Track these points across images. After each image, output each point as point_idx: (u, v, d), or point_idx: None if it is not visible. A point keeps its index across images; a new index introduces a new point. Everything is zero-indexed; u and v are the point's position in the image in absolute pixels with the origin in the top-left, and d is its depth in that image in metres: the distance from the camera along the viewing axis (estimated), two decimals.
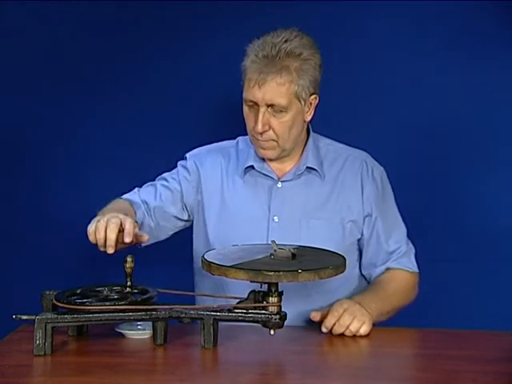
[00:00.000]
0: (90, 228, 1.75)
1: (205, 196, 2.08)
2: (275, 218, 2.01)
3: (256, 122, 1.94)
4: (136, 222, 1.84)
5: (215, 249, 1.87)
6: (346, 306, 1.83)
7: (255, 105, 1.94)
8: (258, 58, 1.91)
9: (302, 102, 1.95)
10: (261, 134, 1.95)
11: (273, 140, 1.97)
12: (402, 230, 2.09)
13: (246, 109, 1.98)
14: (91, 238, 1.75)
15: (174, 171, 2.14)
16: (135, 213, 2.02)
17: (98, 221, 1.75)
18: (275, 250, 1.72)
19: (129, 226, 1.74)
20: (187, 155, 2.15)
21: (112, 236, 1.72)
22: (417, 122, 2.57)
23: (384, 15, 2.55)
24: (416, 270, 2.08)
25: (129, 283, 1.75)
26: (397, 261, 2.06)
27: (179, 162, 2.14)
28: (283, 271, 1.62)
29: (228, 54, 2.32)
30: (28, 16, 2.63)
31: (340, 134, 2.14)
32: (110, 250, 1.73)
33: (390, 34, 2.55)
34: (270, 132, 1.95)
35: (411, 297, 2.08)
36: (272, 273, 1.61)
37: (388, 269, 2.05)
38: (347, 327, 1.81)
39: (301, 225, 2.01)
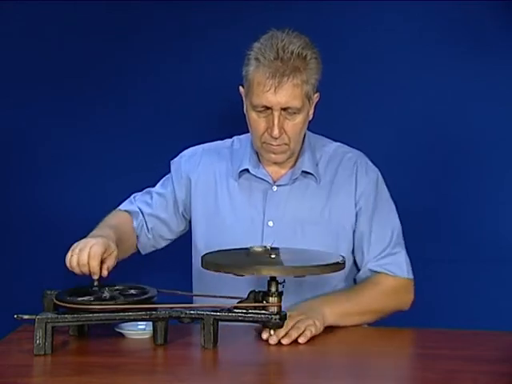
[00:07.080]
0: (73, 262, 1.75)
1: (194, 198, 2.05)
2: (269, 222, 1.98)
3: (271, 127, 1.87)
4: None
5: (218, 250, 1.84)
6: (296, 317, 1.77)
7: (267, 109, 1.88)
8: (267, 60, 1.84)
9: (310, 102, 1.92)
10: (276, 138, 1.90)
11: (285, 144, 1.92)
12: (392, 233, 2.00)
13: (253, 115, 1.90)
14: (75, 270, 1.76)
15: (168, 176, 2.11)
16: (133, 226, 2.04)
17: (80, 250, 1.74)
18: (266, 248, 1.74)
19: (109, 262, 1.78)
20: (181, 156, 2.11)
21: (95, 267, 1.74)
22: (416, 122, 2.56)
23: (383, 15, 2.55)
24: (404, 275, 1.98)
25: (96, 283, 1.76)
26: (379, 263, 1.97)
27: (172, 163, 2.11)
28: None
29: (227, 54, 2.33)
30: (24, 18, 2.64)
31: (339, 133, 2.13)
32: (95, 276, 1.75)
33: (389, 33, 2.55)
34: (284, 135, 1.90)
35: (397, 302, 1.98)
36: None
37: (371, 271, 1.98)
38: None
39: (295, 230, 1.97)
